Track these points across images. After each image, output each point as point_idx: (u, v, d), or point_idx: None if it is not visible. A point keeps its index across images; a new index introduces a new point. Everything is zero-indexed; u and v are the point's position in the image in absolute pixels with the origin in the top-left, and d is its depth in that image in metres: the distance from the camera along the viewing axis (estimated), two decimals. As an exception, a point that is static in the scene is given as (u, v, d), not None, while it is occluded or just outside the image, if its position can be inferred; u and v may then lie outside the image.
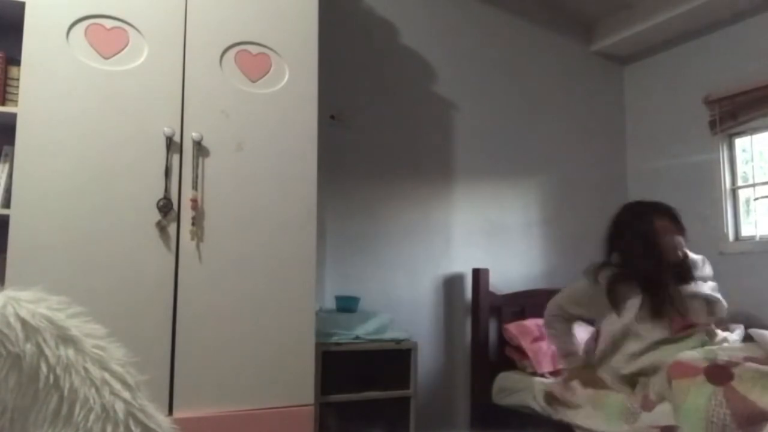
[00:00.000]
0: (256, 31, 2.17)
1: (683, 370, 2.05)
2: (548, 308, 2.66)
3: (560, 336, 2.58)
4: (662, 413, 2.07)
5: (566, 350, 2.56)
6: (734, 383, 1.93)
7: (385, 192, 3.03)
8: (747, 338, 2.42)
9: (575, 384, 2.46)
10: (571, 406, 2.41)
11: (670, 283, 2.43)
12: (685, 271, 2.50)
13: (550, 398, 2.55)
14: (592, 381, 2.44)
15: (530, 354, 2.87)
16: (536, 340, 2.91)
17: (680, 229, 2.50)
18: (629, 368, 2.35)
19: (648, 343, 2.33)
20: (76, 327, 0.99)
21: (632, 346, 2.37)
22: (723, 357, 2.04)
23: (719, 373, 1.97)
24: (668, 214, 2.50)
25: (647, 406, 2.15)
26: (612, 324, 2.45)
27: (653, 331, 2.35)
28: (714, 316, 2.49)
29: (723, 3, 3.12)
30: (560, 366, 2.70)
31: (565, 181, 3.59)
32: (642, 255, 2.43)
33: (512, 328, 3.02)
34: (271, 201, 2.13)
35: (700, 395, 1.94)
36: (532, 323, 3.01)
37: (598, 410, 2.30)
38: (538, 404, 2.62)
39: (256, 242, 2.09)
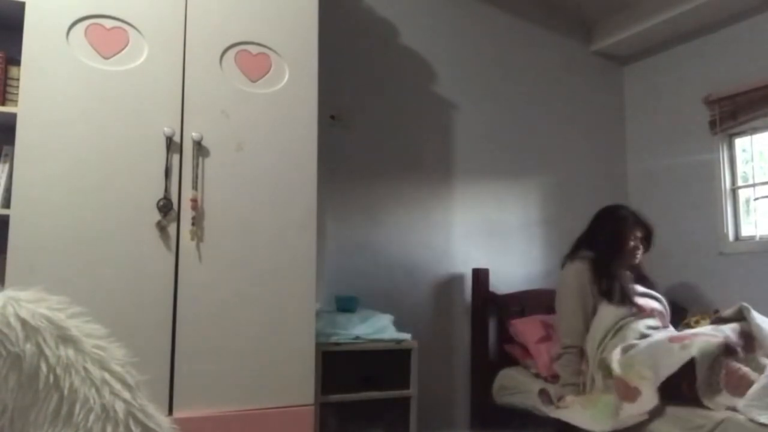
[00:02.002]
0: (256, 31, 2.17)
1: (705, 338, 2.20)
2: (561, 342, 2.62)
3: (568, 367, 2.57)
4: (646, 401, 2.11)
5: (568, 382, 2.56)
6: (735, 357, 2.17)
7: (385, 192, 3.03)
8: None
9: (568, 396, 2.49)
10: (560, 407, 2.45)
11: (622, 274, 2.67)
12: (639, 275, 2.76)
13: (544, 396, 2.58)
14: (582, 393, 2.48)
15: (534, 354, 2.84)
16: (541, 340, 2.86)
17: (647, 246, 2.78)
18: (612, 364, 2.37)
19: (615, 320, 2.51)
20: (76, 327, 0.99)
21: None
22: (730, 336, 2.23)
23: (730, 347, 2.19)
24: (644, 228, 2.77)
25: (629, 396, 2.16)
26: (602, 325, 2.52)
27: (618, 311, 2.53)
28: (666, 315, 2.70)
29: (723, 3, 3.12)
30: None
31: (565, 181, 3.59)
32: (606, 246, 2.70)
33: (519, 324, 2.99)
34: (271, 201, 2.13)
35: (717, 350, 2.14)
36: (538, 321, 2.97)
37: (586, 410, 2.32)
38: (536, 408, 2.62)
39: (256, 242, 2.09)
